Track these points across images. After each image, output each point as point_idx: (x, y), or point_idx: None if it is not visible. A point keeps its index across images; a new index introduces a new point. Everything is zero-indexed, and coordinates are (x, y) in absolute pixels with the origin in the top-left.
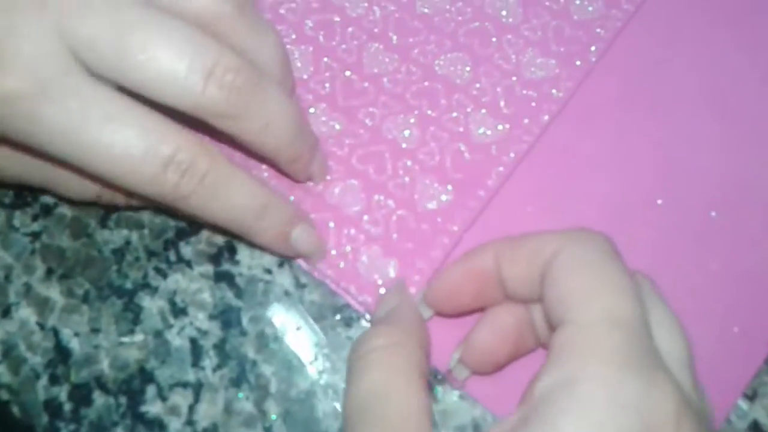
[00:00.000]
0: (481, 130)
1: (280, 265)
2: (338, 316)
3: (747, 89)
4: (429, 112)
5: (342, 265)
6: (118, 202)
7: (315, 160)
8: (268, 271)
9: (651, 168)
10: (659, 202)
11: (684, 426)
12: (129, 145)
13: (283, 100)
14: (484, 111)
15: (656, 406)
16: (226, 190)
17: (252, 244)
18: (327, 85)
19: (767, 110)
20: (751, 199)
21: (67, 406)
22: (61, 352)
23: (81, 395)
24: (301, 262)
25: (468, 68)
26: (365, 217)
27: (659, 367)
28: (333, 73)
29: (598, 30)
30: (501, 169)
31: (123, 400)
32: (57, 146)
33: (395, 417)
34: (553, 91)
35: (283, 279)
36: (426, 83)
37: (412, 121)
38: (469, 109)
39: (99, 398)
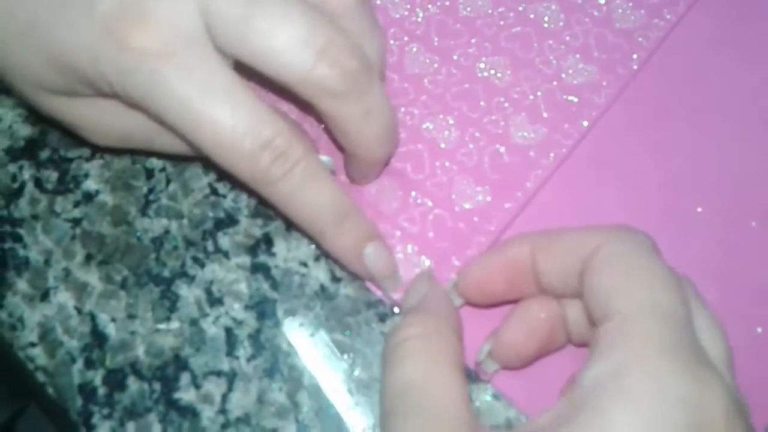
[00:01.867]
0: (521, 133)
1: (316, 258)
2: (372, 311)
3: None
4: (469, 113)
5: None
6: None
7: (378, 172)
8: (304, 264)
9: (691, 175)
10: (699, 209)
11: (733, 424)
12: (237, 122)
13: (386, 94)
14: (523, 114)
15: (707, 402)
16: (313, 186)
17: (287, 237)
18: None
19: None
20: None
21: (102, 391)
22: (98, 337)
23: (116, 380)
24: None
25: (509, 72)
26: (402, 215)
27: (707, 363)
28: None
29: (640, 39)
30: (539, 171)
31: (157, 386)
32: (169, 110)
33: (435, 407)
34: (594, 97)
35: (319, 272)
36: (466, 85)
37: (451, 121)
38: (508, 112)
39: (133, 384)
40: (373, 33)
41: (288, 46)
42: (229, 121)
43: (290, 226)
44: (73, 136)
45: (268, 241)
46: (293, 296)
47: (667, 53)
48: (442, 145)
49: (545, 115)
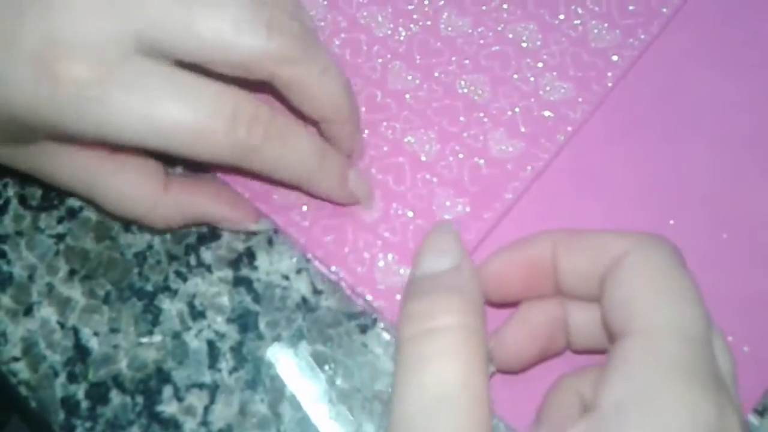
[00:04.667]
0: (499, 147)
1: (298, 271)
2: (353, 323)
3: (760, 117)
4: (449, 128)
5: (359, 270)
6: (158, 222)
7: (358, 133)
8: (286, 277)
9: (664, 189)
10: (671, 222)
11: None
12: (197, 112)
13: (330, 56)
14: (502, 129)
15: (727, 427)
16: (292, 136)
17: (269, 251)
18: None
19: None
20: (762, 221)
21: (84, 404)
22: (81, 351)
23: (98, 394)
24: (318, 265)
25: (488, 89)
26: (383, 225)
27: (725, 387)
28: (357, 88)
29: (615, 57)
30: (517, 183)
31: (140, 399)
32: (128, 130)
33: (469, 428)
34: (570, 113)
35: (300, 285)
36: (447, 101)
37: (432, 135)
38: (487, 127)
39: (116, 397)
40: (298, 6)
41: (238, 29)
42: (190, 113)
43: (272, 239)
44: None
45: (250, 254)
46: (275, 309)
47: (641, 72)
48: (423, 158)
49: (523, 129)
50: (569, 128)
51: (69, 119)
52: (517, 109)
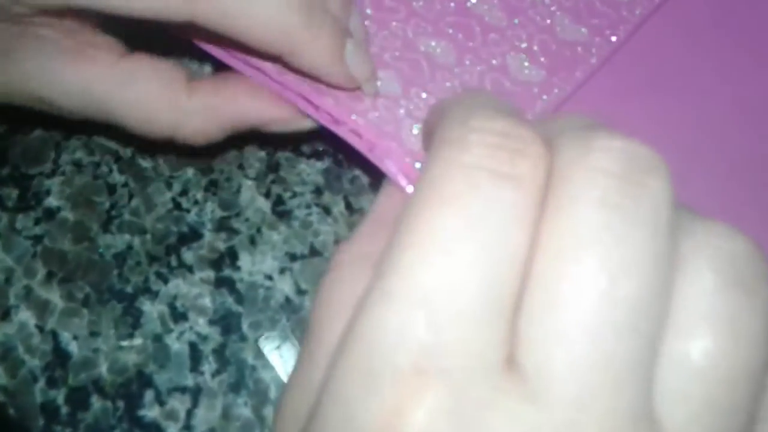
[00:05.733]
0: (518, 66)
1: (281, 271)
2: None
3: None
4: (466, 42)
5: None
6: (191, 137)
7: (352, 16)
8: (269, 278)
9: (675, 148)
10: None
11: None
12: None
13: None
14: (521, 54)
15: None
16: None
17: (252, 251)
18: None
19: None
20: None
21: (64, 410)
22: (60, 356)
23: (78, 398)
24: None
25: (503, 15)
26: (402, 101)
27: None
28: None
29: (626, 12)
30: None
31: (121, 404)
32: None
33: None
34: (586, 55)
35: (284, 285)
36: (461, 18)
37: (448, 45)
38: (504, 49)
39: (96, 402)
40: None
41: None
42: None
43: (255, 239)
44: (34, 152)
45: (232, 254)
46: (258, 310)
47: (659, 24)
48: (439, 61)
49: (542, 60)
50: (587, 68)
51: None
52: (534, 40)
